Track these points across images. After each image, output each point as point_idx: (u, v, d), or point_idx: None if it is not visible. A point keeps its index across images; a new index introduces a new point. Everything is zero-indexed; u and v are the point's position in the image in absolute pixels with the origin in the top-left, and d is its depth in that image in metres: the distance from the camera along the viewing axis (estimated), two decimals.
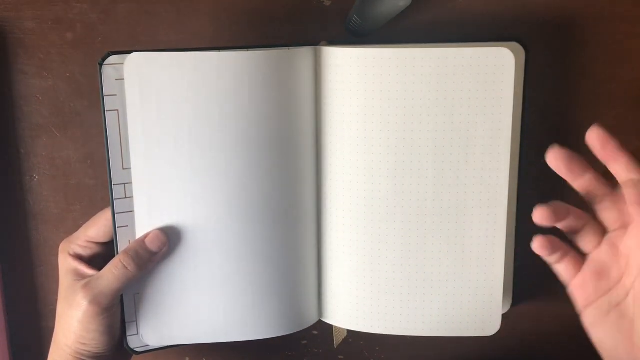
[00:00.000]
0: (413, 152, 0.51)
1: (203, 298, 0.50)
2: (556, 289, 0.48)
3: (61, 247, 0.51)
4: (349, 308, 0.53)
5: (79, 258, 0.50)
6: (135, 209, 0.49)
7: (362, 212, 0.52)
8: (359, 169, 0.51)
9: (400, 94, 0.50)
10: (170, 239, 0.49)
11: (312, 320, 0.54)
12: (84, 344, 0.48)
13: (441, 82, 0.50)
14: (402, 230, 0.52)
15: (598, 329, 0.43)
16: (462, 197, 0.51)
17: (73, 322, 0.47)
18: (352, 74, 0.50)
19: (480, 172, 0.51)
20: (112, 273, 0.47)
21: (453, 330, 0.52)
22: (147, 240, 0.48)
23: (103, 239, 0.50)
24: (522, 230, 0.53)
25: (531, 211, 0.55)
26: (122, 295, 0.49)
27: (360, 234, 0.52)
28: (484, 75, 0.50)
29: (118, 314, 0.49)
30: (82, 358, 0.48)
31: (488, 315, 0.52)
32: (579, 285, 0.44)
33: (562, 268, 0.44)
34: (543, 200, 0.52)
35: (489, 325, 0.52)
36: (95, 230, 0.50)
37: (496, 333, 0.58)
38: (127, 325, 0.50)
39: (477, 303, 0.52)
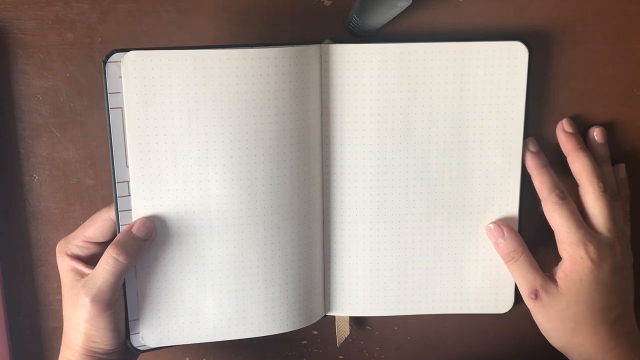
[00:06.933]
0: (431, 141, 0.52)
1: (206, 297, 0.50)
2: None
3: (58, 247, 0.51)
4: (363, 295, 0.54)
5: (77, 258, 0.50)
6: (133, 207, 0.49)
7: (376, 200, 0.53)
8: (371, 161, 0.52)
9: (419, 87, 0.51)
10: (172, 236, 0.49)
11: (318, 314, 0.54)
12: (94, 342, 0.48)
13: (457, 74, 0.51)
14: (417, 216, 0.53)
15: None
16: (476, 188, 0.53)
17: (80, 322, 0.48)
18: (370, 69, 0.51)
19: (494, 158, 0.52)
20: (105, 268, 0.47)
21: (468, 307, 0.55)
22: (134, 229, 0.48)
23: (101, 238, 0.50)
24: (523, 230, 0.53)
25: (531, 211, 0.55)
26: (125, 293, 0.49)
27: (374, 222, 0.53)
28: (498, 67, 0.51)
29: (122, 309, 0.49)
30: (94, 355, 0.48)
31: (502, 293, 0.54)
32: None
33: None
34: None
35: (502, 303, 0.54)
36: (92, 230, 0.50)
37: (496, 333, 0.58)
38: (130, 324, 0.50)
39: (491, 282, 0.54)
